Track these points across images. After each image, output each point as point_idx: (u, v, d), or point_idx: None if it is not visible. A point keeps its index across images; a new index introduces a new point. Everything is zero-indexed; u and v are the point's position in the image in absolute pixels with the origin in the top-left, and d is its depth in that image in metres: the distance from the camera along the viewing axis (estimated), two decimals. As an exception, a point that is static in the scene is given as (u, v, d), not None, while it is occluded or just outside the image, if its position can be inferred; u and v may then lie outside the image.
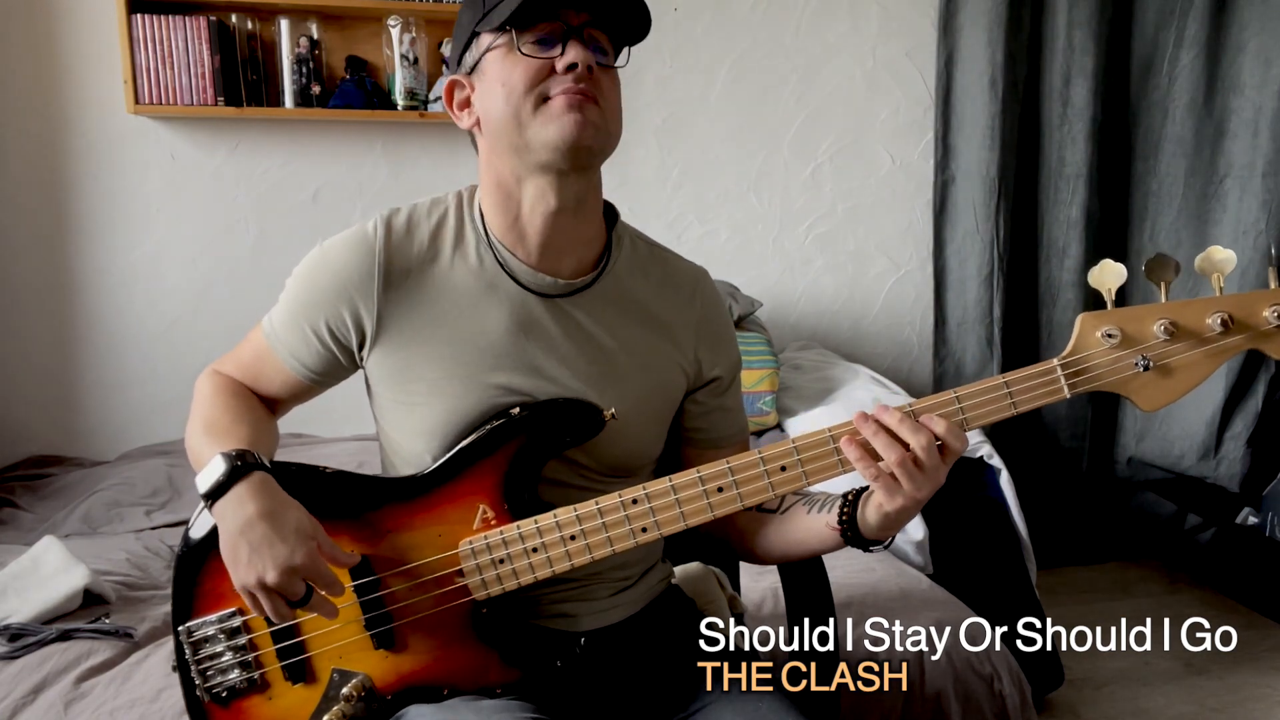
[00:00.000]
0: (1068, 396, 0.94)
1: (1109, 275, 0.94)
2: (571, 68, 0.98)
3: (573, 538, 1.01)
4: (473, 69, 1.05)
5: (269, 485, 0.98)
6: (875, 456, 0.94)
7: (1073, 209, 3.05)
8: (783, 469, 0.98)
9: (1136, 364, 0.93)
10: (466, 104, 1.07)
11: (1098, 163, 3.03)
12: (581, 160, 1.02)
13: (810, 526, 1.08)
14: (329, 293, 1.07)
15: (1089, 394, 3.30)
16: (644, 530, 1.00)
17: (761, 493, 0.99)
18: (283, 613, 0.97)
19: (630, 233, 1.17)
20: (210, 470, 0.98)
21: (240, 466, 0.97)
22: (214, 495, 0.97)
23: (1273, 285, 0.93)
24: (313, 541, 0.96)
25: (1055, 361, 0.94)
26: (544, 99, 0.99)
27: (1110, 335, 0.93)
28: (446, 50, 2.72)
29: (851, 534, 1.03)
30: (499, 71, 1.01)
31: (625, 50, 1.07)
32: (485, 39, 1.03)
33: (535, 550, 1.02)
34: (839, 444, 0.96)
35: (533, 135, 1.00)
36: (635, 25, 1.04)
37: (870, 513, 1.00)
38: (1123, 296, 0.95)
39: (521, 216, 1.06)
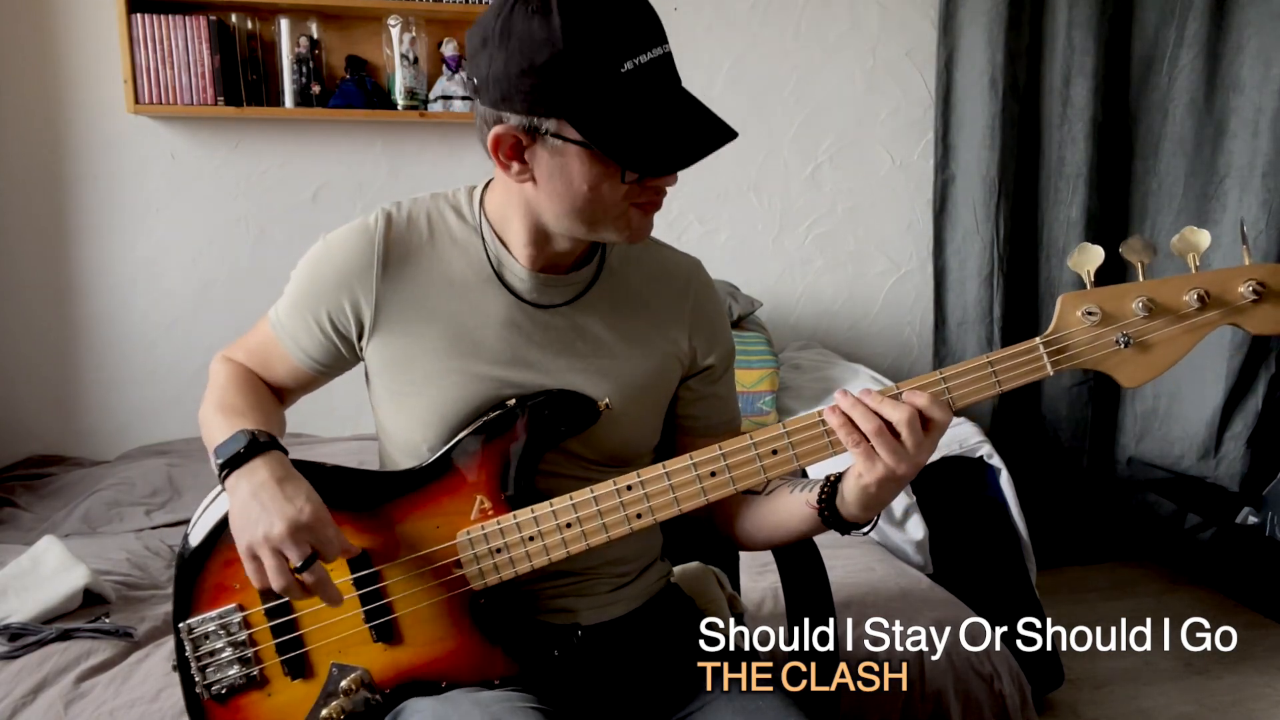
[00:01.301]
0: (1050, 374, 0.96)
1: (1087, 257, 0.96)
2: (662, 191, 0.99)
3: (569, 525, 1.02)
4: (547, 134, 0.94)
5: (283, 461, 1.00)
6: (855, 425, 0.95)
7: (1073, 209, 3.05)
8: (774, 452, 0.99)
9: (1116, 341, 0.95)
10: (518, 156, 0.98)
11: (1098, 162, 3.03)
12: None
13: (790, 506, 1.08)
14: (330, 282, 1.08)
15: (1088, 392, 3.29)
16: (639, 516, 1.01)
17: (753, 475, 0.99)
18: (286, 580, 0.96)
19: None
20: (230, 443, 1.00)
21: (260, 443, 1.00)
22: (231, 465, 0.99)
23: (1246, 262, 0.95)
24: (323, 509, 0.97)
25: (1038, 340, 0.96)
26: (628, 207, 0.99)
27: (1090, 313, 0.95)
28: (447, 50, 2.72)
29: (829, 513, 1.03)
30: (587, 174, 0.95)
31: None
32: (573, 130, 0.93)
33: (532, 539, 1.03)
34: (824, 415, 0.97)
35: (601, 233, 1.02)
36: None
37: (849, 485, 0.99)
38: (1115, 281, 0.96)
39: (532, 236, 1.06)
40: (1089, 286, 0.96)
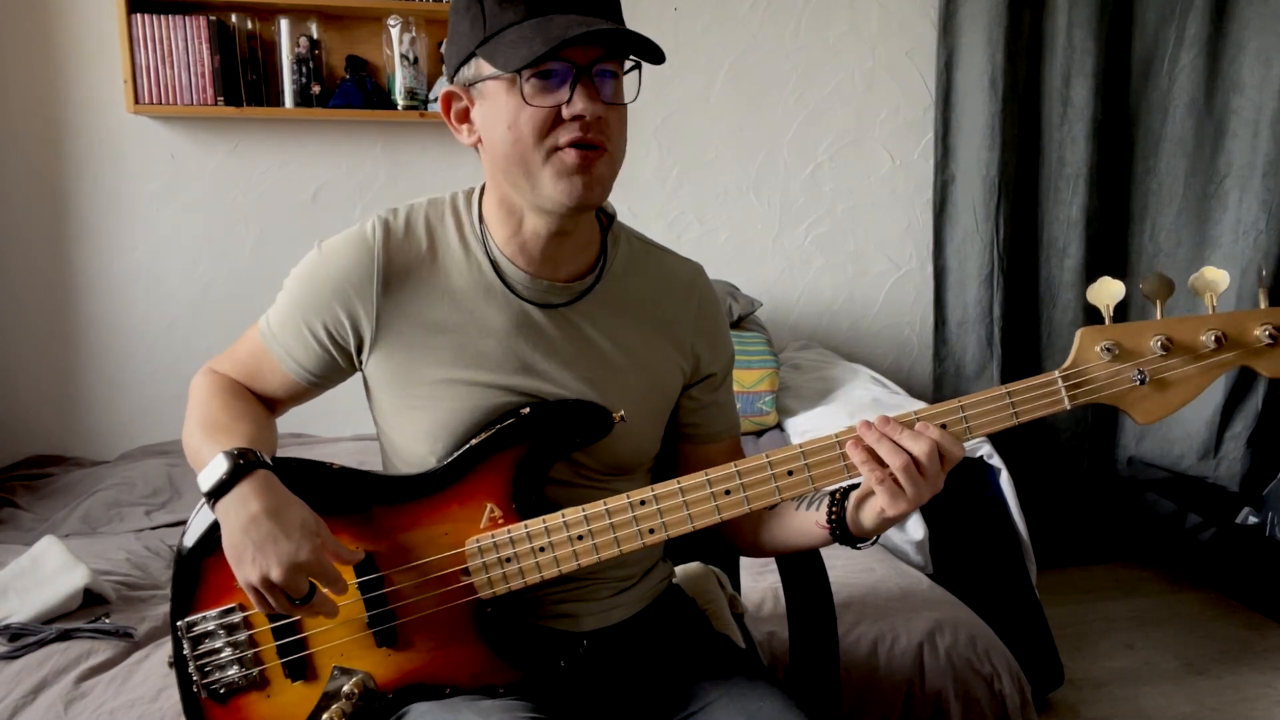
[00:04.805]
0: (1068, 408, 0.97)
1: (1107, 292, 0.97)
2: (578, 117, 0.96)
3: (580, 538, 1.01)
4: (471, 84, 1.01)
5: (272, 483, 0.97)
6: (879, 461, 0.94)
7: (1073, 209, 3.05)
8: (789, 473, 0.99)
9: (1134, 378, 0.96)
10: (465, 117, 1.04)
11: (1098, 162, 3.03)
12: (585, 212, 1.02)
13: (799, 524, 1.08)
14: (326, 294, 1.06)
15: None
16: (651, 531, 1.01)
17: (768, 496, 0.99)
18: (287, 609, 0.97)
19: (626, 232, 1.17)
20: (213, 469, 0.97)
21: (243, 465, 0.97)
22: (217, 494, 0.96)
23: (1262, 305, 0.96)
24: (317, 538, 0.96)
25: (1056, 374, 0.97)
26: (553, 149, 0.97)
27: (1109, 349, 0.96)
28: (446, 50, 2.72)
29: (840, 532, 1.03)
30: (504, 110, 0.97)
31: (637, 78, 1.03)
32: (486, 65, 0.98)
33: (543, 550, 1.02)
34: (844, 448, 0.97)
35: (540, 186, 0.99)
36: (648, 52, 0.99)
37: (868, 516, 1.00)
38: (1123, 308, 0.97)
39: (523, 232, 1.05)
40: (1108, 321, 0.97)
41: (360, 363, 1.09)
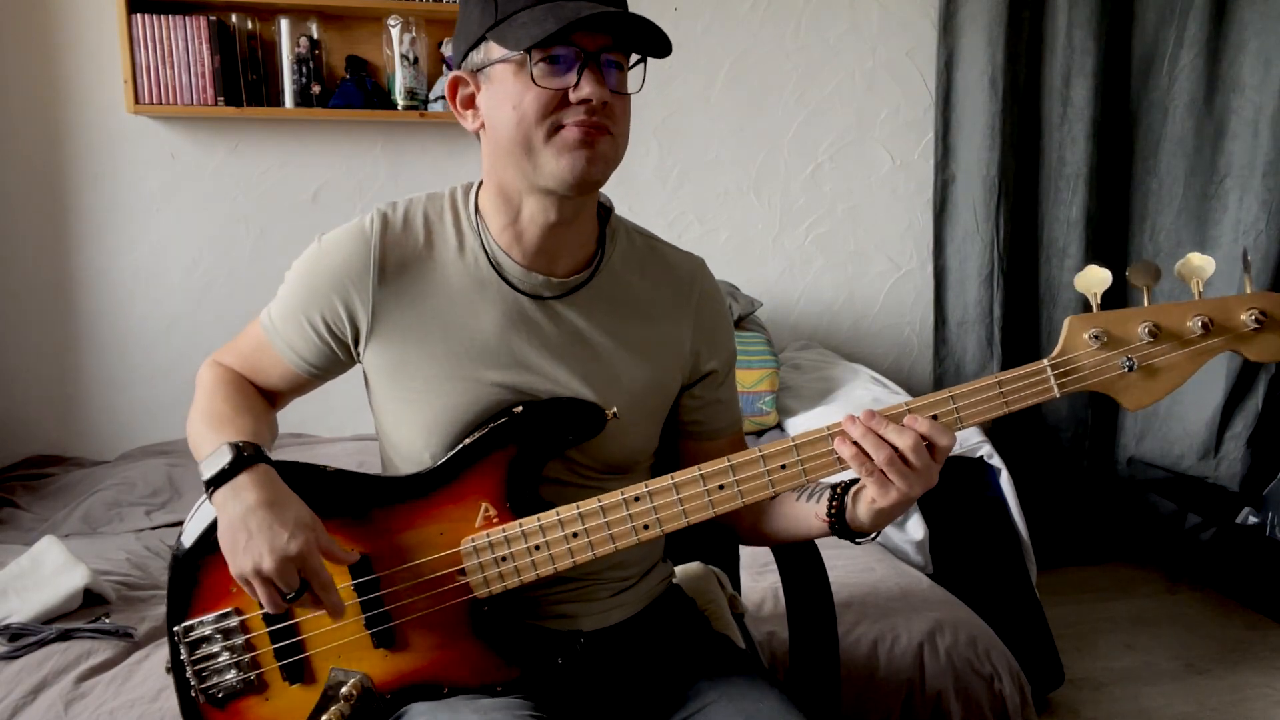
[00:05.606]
0: (1058, 396, 0.97)
1: (1094, 280, 0.97)
2: (585, 101, 0.97)
3: (575, 535, 1.01)
4: (479, 69, 1.02)
5: (271, 477, 0.99)
6: (866, 454, 0.95)
7: (1073, 209, 3.05)
8: (783, 467, 0.99)
9: (1122, 364, 0.96)
10: (471, 103, 1.05)
11: (1098, 163, 3.03)
12: (586, 190, 1.02)
13: (800, 515, 1.09)
14: (325, 286, 1.07)
15: (1086, 394, 3.32)
16: (646, 527, 1.01)
17: (762, 490, 0.99)
18: (277, 604, 0.97)
19: (625, 226, 1.17)
20: (215, 458, 0.98)
21: (245, 456, 0.98)
22: (216, 482, 0.97)
23: (1248, 290, 0.96)
24: (311, 533, 0.96)
25: (1045, 362, 0.97)
26: (556, 128, 0.98)
27: (1097, 337, 0.96)
28: (447, 50, 2.72)
29: (839, 526, 1.04)
30: (510, 90, 0.99)
31: (642, 69, 1.04)
32: (496, 49, 0.99)
33: (538, 548, 1.02)
34: (835, 446, 0.97)
35: (542, 163, 0.99)
36: (655, 44, 1.01)
37: (862, 509, 1.00)
38: (1120, 299, 0.97)
39: (520, 221, 1.06)
40: (1095, 309, 0.97)
41: (358, 355, 1.10)
